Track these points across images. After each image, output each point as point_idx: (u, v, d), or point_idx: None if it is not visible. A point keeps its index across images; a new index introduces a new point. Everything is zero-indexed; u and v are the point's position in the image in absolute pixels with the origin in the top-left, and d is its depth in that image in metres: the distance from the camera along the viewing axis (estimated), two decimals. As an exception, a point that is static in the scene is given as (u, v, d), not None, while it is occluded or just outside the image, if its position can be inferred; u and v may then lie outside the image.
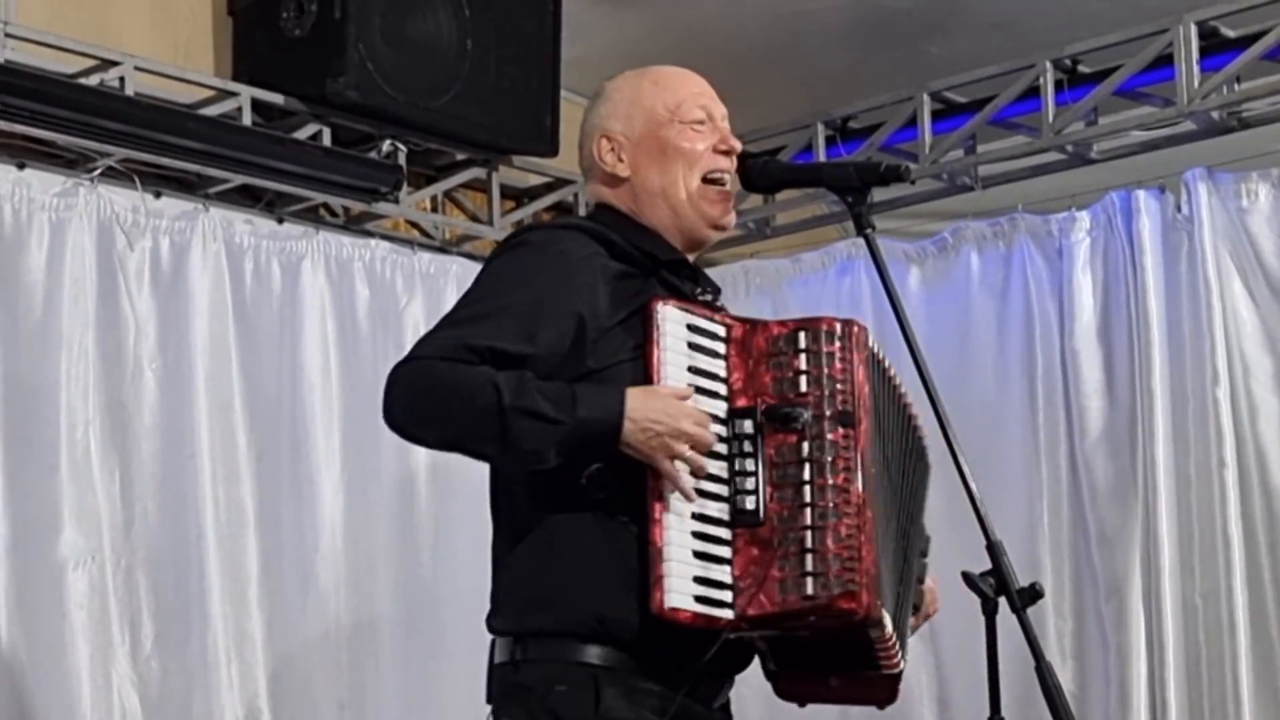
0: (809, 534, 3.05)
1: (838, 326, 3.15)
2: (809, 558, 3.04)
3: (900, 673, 3.33)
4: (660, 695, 3.13)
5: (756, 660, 3.34)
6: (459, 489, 5.29)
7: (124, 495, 4.93)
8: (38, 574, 4.71)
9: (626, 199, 3.36)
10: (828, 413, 3.10)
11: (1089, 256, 5.68)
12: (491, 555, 3.33)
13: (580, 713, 3.11)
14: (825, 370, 3.11)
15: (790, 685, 3.38)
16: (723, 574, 3.07)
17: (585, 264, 3.20)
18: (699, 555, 3.06)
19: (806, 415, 3.09)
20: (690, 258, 3.39)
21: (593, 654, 3.13)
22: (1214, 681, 5.33)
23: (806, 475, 3.08)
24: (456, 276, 5.78)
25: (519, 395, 3.03)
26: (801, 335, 3.14)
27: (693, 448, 3.06)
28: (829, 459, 3.08)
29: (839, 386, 3.11)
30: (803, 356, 3.12)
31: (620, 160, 3.35)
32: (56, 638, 4.72)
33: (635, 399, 3.06)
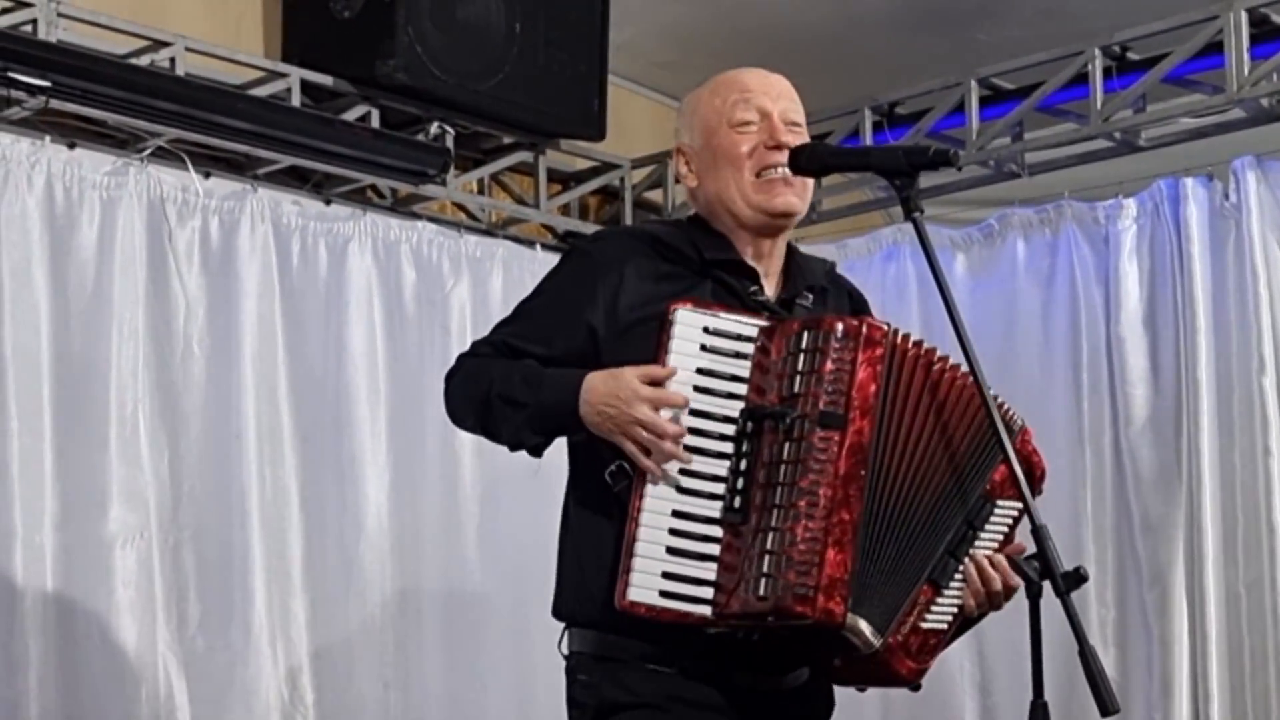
0: (770, 535, 3.06)
1: (839, 326, 3.12)
2: (766, 559, 3.05)
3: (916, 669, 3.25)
4: (676, 682, 3.15)
5: None
6: (503, 470, 5.30)
7: (172, 473, 4.97)
8: (86, 551, 4.76)
9: (702, 207, 3.41)
10: (811, 414, 3.09)
11: (1135, 244, 5.67)
12: None
13: (589, 699, 3.19)
14: (819, 370, 3.10)
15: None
16: (703, 570, 3.08)
17: (614, 266, 3.26)
18: (674, 551, 3.08)
19: (792, 416, 3.09)
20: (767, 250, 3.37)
21: (609, 644, 3.18)
22: (1256, 671, 5.32)
23: (783, 477, 3.09)
24: (502, 260, 5.80)
25: (504, 382, 3.20)
26: (805, 335, 3.13)
27: (652, 433, 3.08)
28: (804, 461, 3.08)
29: (828, 388, 3.09)
30: (802, 357, 3.12)
31: (690, 172, 3.41)
32: (103, 614, 4.76)
33: (593, 381, 3.14)
